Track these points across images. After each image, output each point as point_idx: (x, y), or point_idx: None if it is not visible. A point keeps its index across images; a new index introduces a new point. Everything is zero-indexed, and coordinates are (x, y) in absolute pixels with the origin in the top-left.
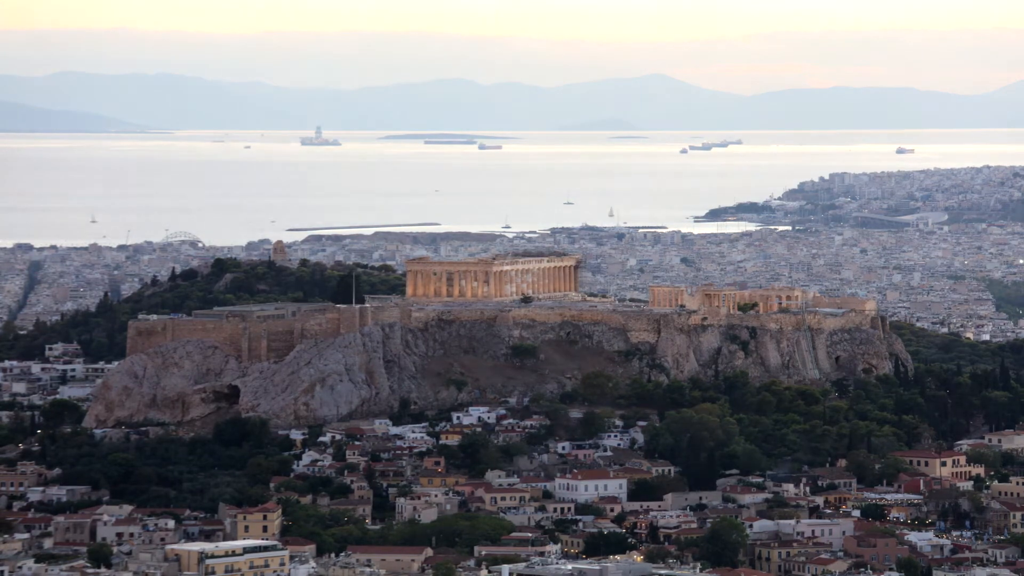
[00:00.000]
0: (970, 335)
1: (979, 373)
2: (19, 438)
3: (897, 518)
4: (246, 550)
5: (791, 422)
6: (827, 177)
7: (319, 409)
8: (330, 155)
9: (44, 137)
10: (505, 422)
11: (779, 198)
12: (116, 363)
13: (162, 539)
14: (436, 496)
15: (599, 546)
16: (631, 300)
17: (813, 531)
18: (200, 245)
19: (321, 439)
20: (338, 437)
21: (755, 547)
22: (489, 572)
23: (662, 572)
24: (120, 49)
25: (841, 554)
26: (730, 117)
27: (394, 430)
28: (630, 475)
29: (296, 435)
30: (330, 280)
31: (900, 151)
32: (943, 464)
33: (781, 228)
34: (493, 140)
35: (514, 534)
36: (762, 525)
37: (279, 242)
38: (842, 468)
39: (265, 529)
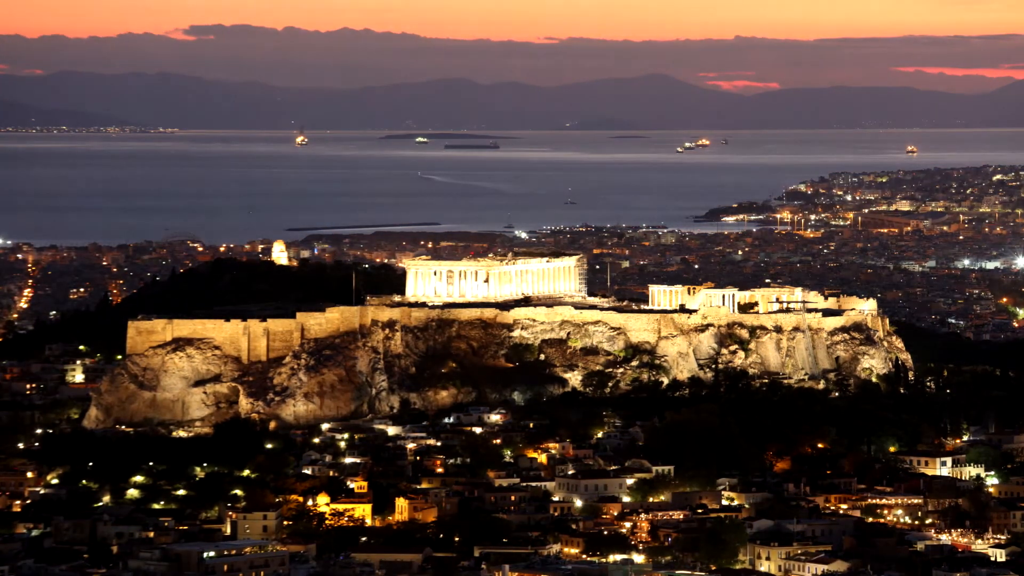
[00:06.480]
0: (970, 335)
1: (979, 373)
2: (19, 438)
3: (897, 518)
4: (246, 550)
5: (791, 421)
6: (827, 177)
7: (319, 409)
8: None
9: (45, 137)
10: (505, 422)
11: (779, 198)
12: (115, 363)
13: (162, 539)
14: (436, 496)
15: (599, 546)
16: (631, 300)
17: (813, 531)
18: (200, 248)
19: (321, 439)
20: (338, 437)
21: (755, 547)
22: (489, 572)
23: (662, 572)
24: (120, 49)
25: (841, 554)
26: (730, 117)
27: (394, 430)
28: (630, 475)
29: (296, 435)
30: (330, 280)
31: (901, 151)
32: (943, 464)
33: (781, 228)
34: (490, 139)
35: (514, 534)
36: (762, 525)
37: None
38: (842, 468)
39: (265, 529)
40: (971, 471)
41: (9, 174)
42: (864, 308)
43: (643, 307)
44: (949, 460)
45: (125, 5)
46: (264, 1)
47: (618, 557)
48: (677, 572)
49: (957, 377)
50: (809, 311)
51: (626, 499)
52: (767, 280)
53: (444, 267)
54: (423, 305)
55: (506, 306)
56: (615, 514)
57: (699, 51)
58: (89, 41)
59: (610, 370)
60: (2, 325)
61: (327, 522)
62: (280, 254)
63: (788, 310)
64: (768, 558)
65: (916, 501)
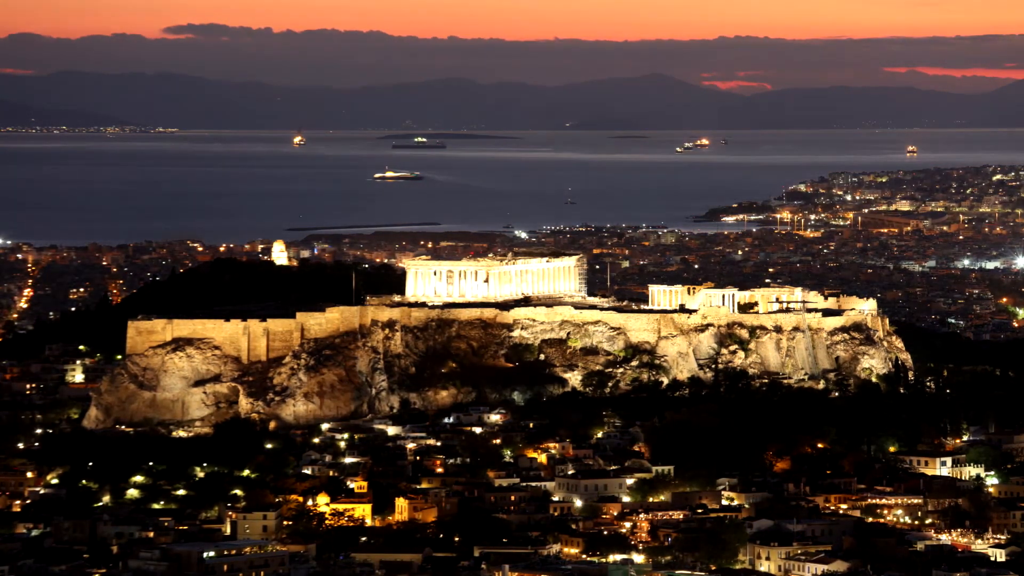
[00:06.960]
0: (970, 335)
1: (979, 373)
2: (19, 438)
3: (897, 518)
4: (246, 550)
5: (791, 421)
6: (827, 177)
7: (319, 409)
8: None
9: (45, 137)
10: (505, 422)
11: (779, 198)
12: (115, 363)
13: (162, 539)
14: (436, 496)
15: (599, 546)
16: (631, 300)
17: (813, 531)
18: (200, 248)
19: (321, 439)
20: (338, 437)
21: (755, 547)
22: (489, 572)
23: (662, 572)
24: (121, 49)
25: (841, 554)
26: (730, 117)
27: (394, 430)
28: (630, 475)
29: (296, 435)
30: (330, 280)
31: (901, 151)
32: (943, 464)
33: (781, 228)
34: (491, 140)
35: (514, 534)
36: (762, 525)
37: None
38: (842, 468)
39: (265, 529)
40: (971, 471)
41: (9, 174)
42: (864, 308)
43: (643, 307)
44: (949, 460)
45: (97, 5)
46: (265, 1)
47: (618, 557)
48: (677, 572)
49: (957, 377)
50: (809, 311)
51: (626, 499)
52: (767, 280)
53: (444, 267)
54: (423, 305)
55: (506, 306)
56: (615, 514)
57: (699, 51)
58: (91, 42)
59: (610, 370)
60: (2, 325)
61: (327, 522)
62: (280, 254)
63: (788, 310)
64: (768, 558)
65: (916, 501)
